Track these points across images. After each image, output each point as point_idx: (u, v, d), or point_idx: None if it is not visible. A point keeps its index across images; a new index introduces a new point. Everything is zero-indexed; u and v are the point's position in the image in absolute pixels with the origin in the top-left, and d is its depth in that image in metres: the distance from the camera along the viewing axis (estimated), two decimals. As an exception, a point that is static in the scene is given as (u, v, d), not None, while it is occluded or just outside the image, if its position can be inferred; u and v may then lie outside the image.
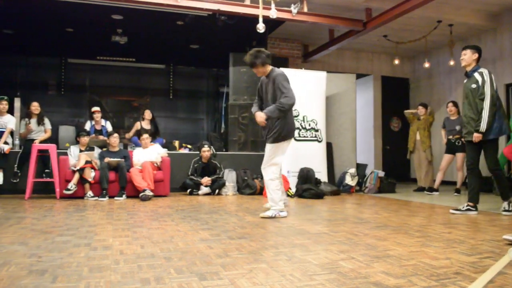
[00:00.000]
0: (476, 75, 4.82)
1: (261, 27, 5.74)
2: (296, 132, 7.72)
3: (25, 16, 8.20)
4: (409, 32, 8.97)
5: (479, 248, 2.97)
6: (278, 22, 8.22)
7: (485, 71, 4.81)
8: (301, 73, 8.08)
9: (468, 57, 4.90)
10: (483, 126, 4.68)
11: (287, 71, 7.78)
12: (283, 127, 4.56)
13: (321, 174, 7.66)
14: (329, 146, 8.26)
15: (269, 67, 4.70)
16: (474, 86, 4.81)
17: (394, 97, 11.22)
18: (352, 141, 8.56)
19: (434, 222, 4.26)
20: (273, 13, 5.90)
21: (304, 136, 7.78)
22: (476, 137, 4.75)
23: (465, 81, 5.05)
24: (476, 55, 4.89)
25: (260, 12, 5.76)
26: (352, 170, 7.95)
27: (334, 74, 8.76)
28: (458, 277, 2.25)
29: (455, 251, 2.88)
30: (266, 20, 6.09)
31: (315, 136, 7.85)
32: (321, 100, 8.01)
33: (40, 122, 7.20)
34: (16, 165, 6.88)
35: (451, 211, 4.94)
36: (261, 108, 4.77)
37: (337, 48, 9.10)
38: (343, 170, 8.13)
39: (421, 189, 7.96)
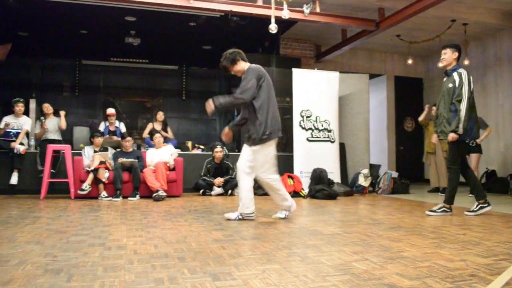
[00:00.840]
0: (455, 75, 4.81)
1: (273, 28, 5.72)
2: (309, 132, 7.72)
3: (40, 18, 8.31)
4: (422, 31, 8.89)
5: (494, 250, 2.93)
6: (290, 22, 8.22)
7: (463, 72, 4.77)
8: (313, 73, 8.07)
9: (448, 56, 4.88)
10: (461, 127, 4.64)
11: (299, 72, 7.92)
12: (266, 124, 4.16)
13: (334, 175, 7.63)
14: (342, 147, 8.23)
15: (245, 64, 4.34)
16: (450, 85, 4.81)
17: (408, 97, 11.14)
18: (365, 142, 8.52)
19: (449, 223, 4.22)
20: (286, 14, 5.88)
21: (317, 137, 7.75)
22: (453, 137, 4.69)
23: (444, 79, 5.04)
24: (456, 54, 4.87)
25: (272, 12, 5.75)
26: (365, 171, 7.91)
27: (347, 74, 8.73)
28: (474, 279, 2.22)
29: (471, 253, 2.84)
30: (278, 20, 6.09)
31: (328, 137, 7.82)
32: (334, 101, 7.99)
33: (54, 122, 7.32)
34: (39, 164, 7.00)
35: (466, 212, 4.89)
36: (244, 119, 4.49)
37: (349, 48, 9.06)
38: (356, 170, 8.09)
39: (435, 190, 7.89)
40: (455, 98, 4.71)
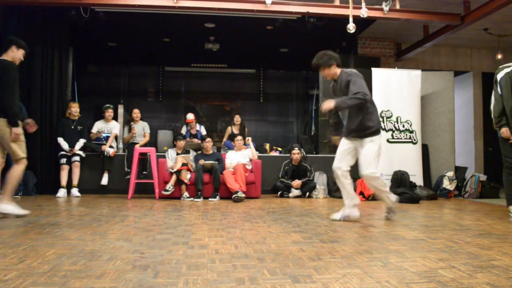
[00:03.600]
0: None
1: (351, 27, 5.62)
2: (390, 133, 7.50)
3: (127, 29, 8.85)
4: (513, 24, 8.28)
5: None
6: (368, 21, 8.02)
7: None
8: (394, 72, 7.83)
9: None
10: None
11: (379, 71, 7.72)
12: (375, 121, 4.36)
13: (416, 178, 7.35)
14: (425, 148, 7.90)
15: (338, 69, 4.46)
16: None
17: (498, 95, 10.40)
18: (450, 143, 8.10)
19: (547, 230, 3.90)
20: (364, 12, 5.76)
21: (398, 138, 7.51)
22: None
23: (507, 70, 4.69)
24: None
25: (350, 12, 5.65)
26: (450, 174, 7.52)
27: (429, 72, 8.38)
28: None
29: None
30: (356, 19, 5.97)
31: (410, 138, 7.55)
32: (416, 100, 7.70)
33: (141, 127, 7.78)
34: (126, 166, 7.39)
35: None
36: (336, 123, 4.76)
37: (432, 44, 8.66)
38: (440, 173, 7.72)
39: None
40: None
